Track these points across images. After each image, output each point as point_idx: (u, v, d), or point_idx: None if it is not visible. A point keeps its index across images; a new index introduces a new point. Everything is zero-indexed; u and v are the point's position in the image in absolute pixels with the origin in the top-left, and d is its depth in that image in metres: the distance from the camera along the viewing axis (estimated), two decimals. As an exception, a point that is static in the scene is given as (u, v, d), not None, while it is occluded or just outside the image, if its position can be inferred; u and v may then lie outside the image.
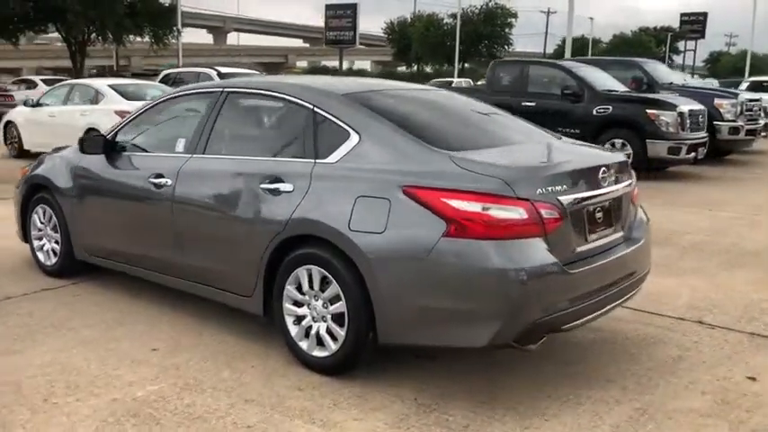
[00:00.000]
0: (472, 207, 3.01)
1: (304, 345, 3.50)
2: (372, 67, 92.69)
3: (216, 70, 14.67)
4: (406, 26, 56.35)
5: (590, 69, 12.25)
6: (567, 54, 22.97)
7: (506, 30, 51.50)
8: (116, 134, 4.68)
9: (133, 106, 10.51)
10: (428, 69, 57.48)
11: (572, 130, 11.21)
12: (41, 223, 5.13)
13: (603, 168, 3.46)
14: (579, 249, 3.29)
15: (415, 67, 59.15)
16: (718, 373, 3.57)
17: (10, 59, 61.35)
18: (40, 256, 5.16)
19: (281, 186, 3.55)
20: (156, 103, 4.67)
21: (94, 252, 4.75)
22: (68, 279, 5.00)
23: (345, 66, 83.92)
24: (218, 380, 3.41)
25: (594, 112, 11.08)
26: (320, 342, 3.44)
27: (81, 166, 4.76)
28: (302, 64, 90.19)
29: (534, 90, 11.88)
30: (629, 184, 3.73)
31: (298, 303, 3.51)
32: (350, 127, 3.49)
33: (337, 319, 3.34)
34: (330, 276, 3.33)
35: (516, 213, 3.03)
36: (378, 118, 3.51)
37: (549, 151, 3.75)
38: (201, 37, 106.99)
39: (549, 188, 3.14)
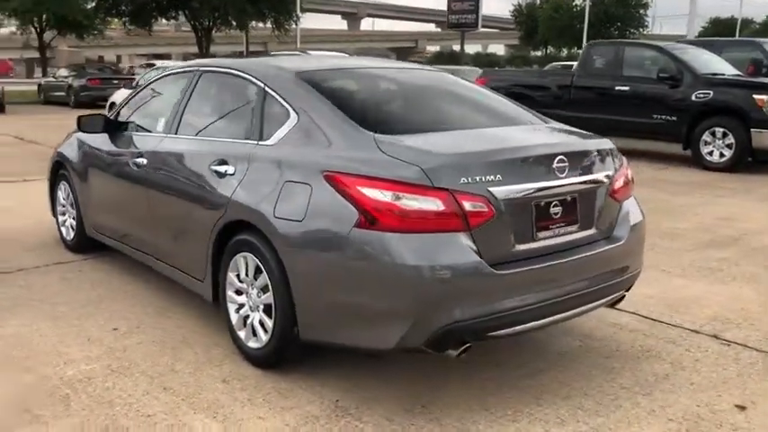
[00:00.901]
0: (384, 196, 2.73)
1: (242, 334, 3.37)
2: (505, 52, 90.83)
3: (307, 53, 14.75)
4: (534, 8, 54.59)
5: (697, 51, 11.23)
6: (690, 35, 21.29)
7: (641, 11, 48.56)
8: (118, 113, 4.74)
9: None
10: (563, 52, 55.24)
11: (668, 118, 10.37)
12: (63, 199, 5.32)
13: (560, 157, 3.03)
14: (521, 248, 2.93)
15: (545, 51, 57.23)
16: (701, 397, 3.07)
17: (159, 45, 65.58)
18: (63, 230, 5.37)
19: (226, 168, 3.42)
20: (152, 82, 4.68)
21: (98, 229, 4.85)
22: (83, 255, 5.15)
23: (476, 50, 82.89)
24: (152, 365, 3.34)
25: (693, 98, 10.12)
26: (255, 333, 3.29)
27: (87, 145, 4.87)
28: (433, 48, 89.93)
29: (630, 74, 11.02)
30: (608, 176, 3.27)
31: (238, 291, 3.38)
32: (291, 107, 3.30)
33: (267, 310, 3.18)
34: (261, 265, 3.16)
35: (432, 205, 2.71)
36: (319, 98, 3.27)
37: (501, 137, 3.28)
38: (336, 23, 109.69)
39: (478, 178, 2.79)
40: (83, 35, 32.83)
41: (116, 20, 33.41)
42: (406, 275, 2.68)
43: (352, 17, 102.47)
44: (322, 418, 2.85)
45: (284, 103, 3.34)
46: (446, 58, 58.29)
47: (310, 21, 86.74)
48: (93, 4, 31.57)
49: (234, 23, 32.34)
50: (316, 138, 3.12)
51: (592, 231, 3.20)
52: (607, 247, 3.21)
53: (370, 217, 2.74)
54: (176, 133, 3.99)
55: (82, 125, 4.64)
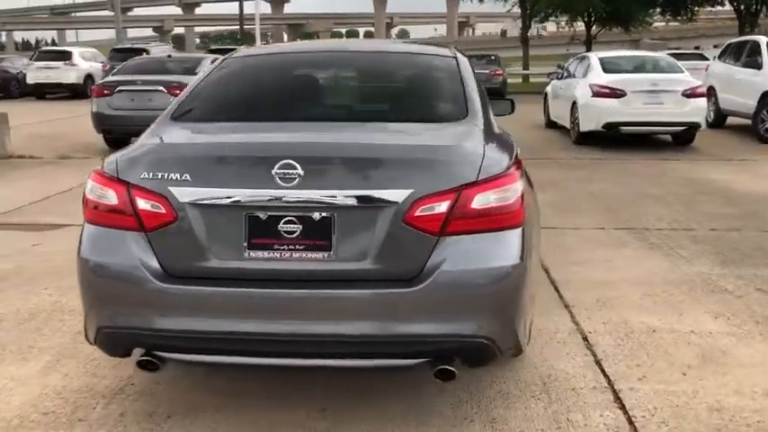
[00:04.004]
0: (88, 187, 2.75)
1: None
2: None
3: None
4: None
5: None
6: None
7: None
8: None
9: (605, 80, 11.07)
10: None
11: None
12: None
13: (285, 162, 2.49)
14: (222, 265, 2.55)
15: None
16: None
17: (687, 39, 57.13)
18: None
19: None
20: None
21: None
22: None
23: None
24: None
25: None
26: None
27: None
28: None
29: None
30: (401, 198, 2.50)
31: None
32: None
33: None
34: None
35: (108, 198, 2.65)
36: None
37: (255, 133, 2.90)
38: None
39: (160, 174, 2.57)
40: (628, 27, 30.34)
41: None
42: (78, 268, 2.72)
43: None
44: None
45: None
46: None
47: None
48: None
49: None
50: None
51: (363, 265, 2.54)
52: (384, 291, 2.51)
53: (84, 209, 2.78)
54: None
55: None
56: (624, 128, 11.02)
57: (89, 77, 22.81)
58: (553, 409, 3.05)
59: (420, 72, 3.69)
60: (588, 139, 11.48)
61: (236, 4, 37.47)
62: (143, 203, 2.59)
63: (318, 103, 3.50)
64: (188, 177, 2.56)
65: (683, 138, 11.45)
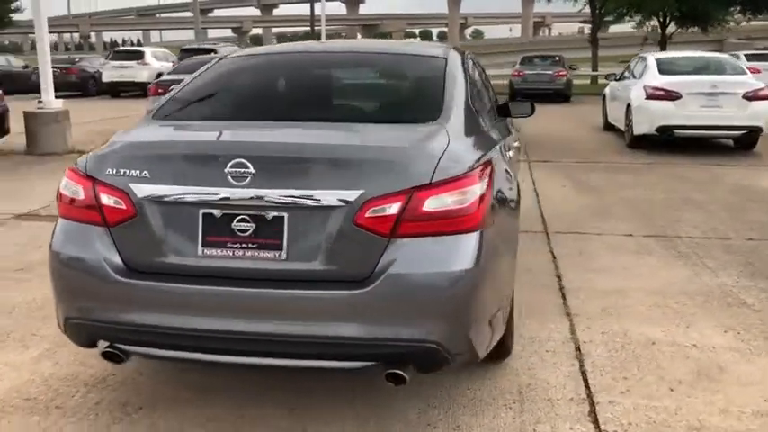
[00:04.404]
0: (62, 184, 2.85)
1: None
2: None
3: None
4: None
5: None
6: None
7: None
8: None
9: (660, 81, 10.75)
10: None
11: None
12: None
13: (237, 161, 2.52)
14: (178, 262, 2.60)
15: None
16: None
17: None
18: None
19: None
20: None
21: None
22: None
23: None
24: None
25: None
26: None
27: None
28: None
29: None
30: (346, 200, 2.49)
31: None
32: None
33: None
34: None
35: (77, 194, 2.75)
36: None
37: (227, 131, 2.96)
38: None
39: (122, 171, 2.65)
40: (707, 27, 28.90)
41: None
42: (49, 259, 2.83)
43: None
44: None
45: None
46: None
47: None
48: None
49: None
50: None
51: (314, 265, 2.54)
52: (332, 292, 2.50)
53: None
54: None
55: None
56: (679, 131, 10.60)
57: (160, 76, 23.63)
58: (522, 419, 2.97)
59: (401, 73, 3.67)
60: (642, 143, 11.12)
61: (315, 4, 37.82)
62: (106, 199, 2.67)
63: (290, 103, 3.50)
64: (147, 174, 2.63)
65: (743, 143, 10.94)
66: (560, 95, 22.20)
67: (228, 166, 2.54)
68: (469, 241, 2.58)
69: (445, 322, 2.55)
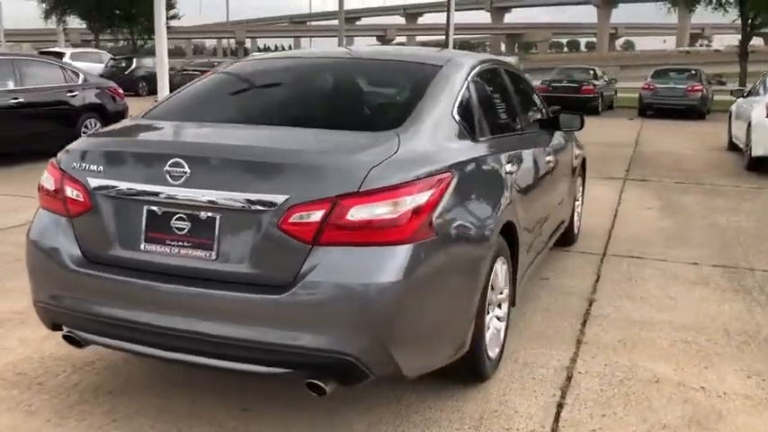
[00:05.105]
0: (43, 176, 3.03)
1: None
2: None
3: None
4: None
5: None
6: None
7: None
8: None
9: None
10: None
11: None
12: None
13: (174, 161, 2.59)
14: (123, 254, 2.72)
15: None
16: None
17: None
18: None
19: None
20: None
21: None
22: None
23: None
24: None
25: None
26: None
27: None
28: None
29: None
30: (274, 203, 2.48)
31: None
32: None
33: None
34: None
35: (50, 185, 2.95)
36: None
37: (187, 132, 3.07)
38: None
39: (83, 165, 2.82)
40: None
41: None
42: (25, 246, 3.02)
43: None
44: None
45: None
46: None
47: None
48: None
49: None
50: None
51: (241, 267, 2.56)
52: (253, 295, 2.49)
53: None
54: None
55: None
56: (803, 155, 9.64)
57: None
58: (468, 447, 2.82)
59: (383, 80, 3.60)
60: (763, 166, 10.20)
61: (461, 13, 37.84)
62: (69, 191, 2.85)
63: (250, 106, 3.51)
64: (101, 169, 2.78)
65: None
66: (694, 111, 20.81)
67: (167, 164, 2.61)
68: (398, 254, 2.50)
69: (362, 335, 2.48)
